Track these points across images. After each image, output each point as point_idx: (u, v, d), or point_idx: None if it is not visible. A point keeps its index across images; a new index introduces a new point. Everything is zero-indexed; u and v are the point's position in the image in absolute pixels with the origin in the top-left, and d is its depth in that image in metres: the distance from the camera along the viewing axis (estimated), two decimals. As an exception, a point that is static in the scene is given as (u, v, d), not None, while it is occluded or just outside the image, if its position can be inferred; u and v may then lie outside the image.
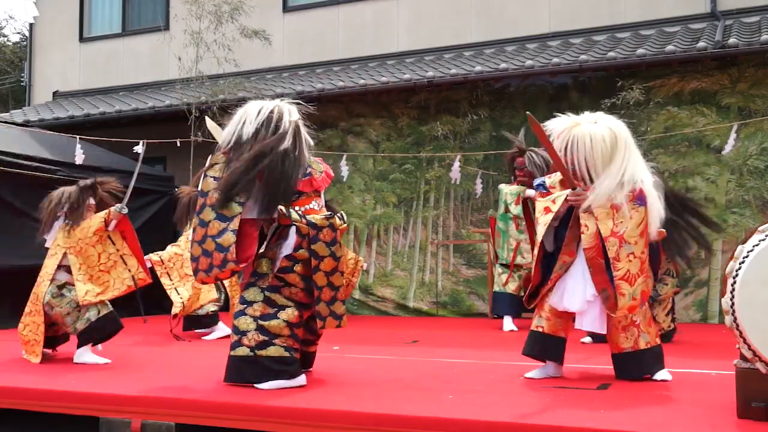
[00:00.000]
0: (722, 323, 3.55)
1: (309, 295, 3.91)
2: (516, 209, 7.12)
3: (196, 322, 6.74)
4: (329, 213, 4.01)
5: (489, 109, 9.32)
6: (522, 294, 6.29)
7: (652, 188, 4.00)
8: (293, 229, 3.86)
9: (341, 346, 5.67)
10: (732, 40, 7.91)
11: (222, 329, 6.71)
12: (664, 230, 4.14)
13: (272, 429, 3.37)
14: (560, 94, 8.94)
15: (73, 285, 4.89)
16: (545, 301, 4.10)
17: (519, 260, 7.11)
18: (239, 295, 4.03)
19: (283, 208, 3.83)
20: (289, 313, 3.84)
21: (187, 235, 6.91)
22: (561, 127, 4.06)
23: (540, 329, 4.09)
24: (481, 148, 9.15)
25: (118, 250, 5.05)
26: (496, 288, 7.28)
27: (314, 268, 3.85)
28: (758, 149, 8.09)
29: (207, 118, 6.22)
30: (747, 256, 2.97)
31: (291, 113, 4.03)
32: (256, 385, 3.76)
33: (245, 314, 3.83)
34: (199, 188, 3.93)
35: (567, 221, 4.05)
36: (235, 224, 3.75)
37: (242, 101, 4.48)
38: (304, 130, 4.06)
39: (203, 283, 4.09)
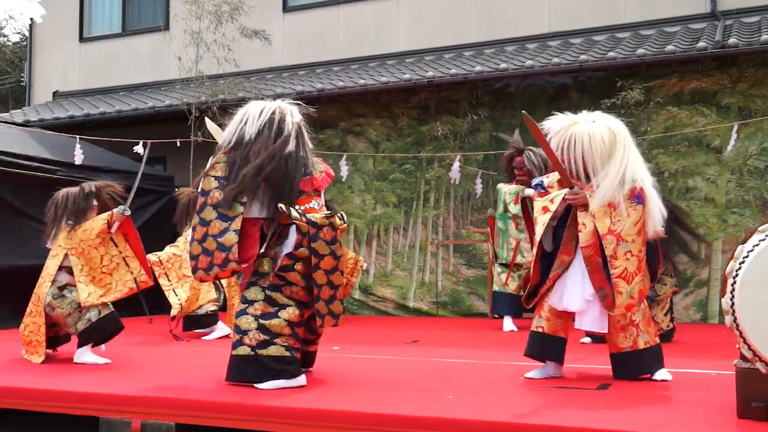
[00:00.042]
0: (722, 323, 3.55)
1: (310, 294, 3.92)
2: (515, 208, 7.12)
3: (196, 322, 6.74)
4: (329, 212, 4.01)
5: (489, 109, 9.32)
6: (522, 293, 6.29)
7: (651, 187, 4.00)
8: (293, 228, 3.87)
9: (341, 346, 5.67)
10: (732, 40, 7.91)
11: (222, 329, 6.72)
12: (662, 230, 4.13)
13: (272, 429, 3.37)
14: (560, 94, 8.94)
15: (74, 286, 4.88)
16: (544, 301, 4.10)
17: (519, 259, 7.11)
18: (240, 294, 4.04)
19: (283, 206, 3.83)
20: (290, 312, 3.85)
21: (185, 235, 6.91)
22: (559, 126, 4.06)
23: (540, 329, 4.09)
24: (481, 148, 9.15)
25: (120, 252, 5.03)
26: (496, 288, 7.28)
27: (314, 266, 3.86)
28: (758, 149, 8.10)
29: (207, 119, 6.23)
30: (747, 256, 2.97)
31: (293, 115, 4.04)
32: (256, 384, 3.77)
33: (246, 313, 3.84)
34: (200, 187, 3.93)
35: (565, 220, 4.05)
36: (237, 224, 3.77)
37: (242, 101, 4.49)
38: (305, 131, 4.08)
39: (202, 281, 4.11)
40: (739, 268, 2.97)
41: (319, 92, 9.46)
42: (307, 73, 11.08)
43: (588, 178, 4.00)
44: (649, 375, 4.03)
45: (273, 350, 3.76)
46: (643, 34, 9.50)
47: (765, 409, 2.92)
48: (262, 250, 3.92)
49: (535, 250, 4.17)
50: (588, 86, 8.88)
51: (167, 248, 6.87)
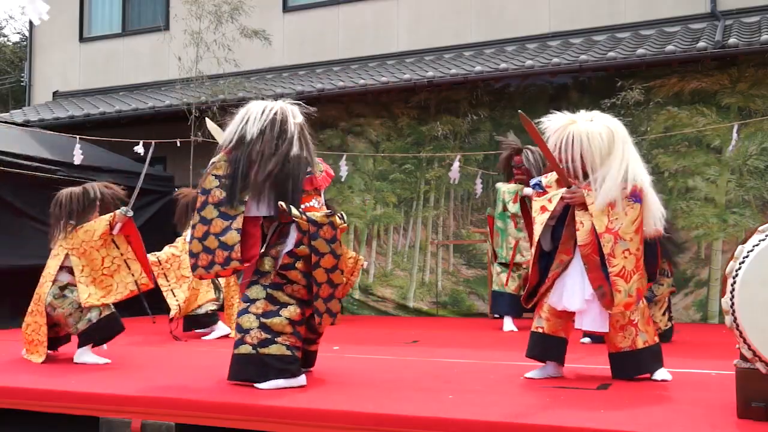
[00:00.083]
0: (722, 323, 3.55)
1: (310, 293, 3.93)
2: (514, 207, 7.12)
3: (196, 321, 6.74)
4: (329, 211, 4.02)
5: (489, 109, 9.33)
6: (522, 293, 6.29)
7: (650, 186, 4.01)
8: (294, 226, 3.88)
9: (341, 346, 5.67)
10: (732, 40, 7.91)
11: (221, 329, 6.71)
12: (661, 228, 4.14)
13: (272, 429, 3.37)
14: (560, 94, 8.94)
15: (75, 286, 4.88)
16: (544, 302, 4.10)
17: (518, 259, 7.11)
18: (240, 294, 4.05)
19: (284, 204, 3.84)
20: (292, 311, 3.86)
21: (185, 236, 6.92)
22: (557, 124, 4.06)
23: (540, 330, 4.09)
24: (481, 148, 9.15)
25: (122, 254, 5.01)
26: (495, 287, 7.28)
27: (314, 264, 3.87)
28: (758, 149, 8.10)
29: (207, 119, 6.23)
30: (747, 256, 2.97)
31: (295, 116, 4.06)
32: (256, 384, 3.77)
33: (248, 312, 3.85)
34: (200, 185, 3.94)
35: (564, 220, 4.06)
36: (238, 223, 3.79)
37: (242, 101, 4.50)
38: (307, 132, 4.10)
39: (201, 279, 4.11)
40: (739, 268, 2.97)
41: (319, 92, 9.46)
42: (307, 73, 11.08)
43: (586, 176, 4.00)
44: (648, 375, 4.03)
45: (274, 349, 3.77)
46: (643, 34, 9.50)
47: (765, 409, 2.92)
48: (263, 249, 3.93)
49: (533, 250, 4.17)
50: (588, 86, 8.89)
51: (166, 248, 6.87)
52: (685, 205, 8.28)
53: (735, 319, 2.96)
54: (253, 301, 3.86)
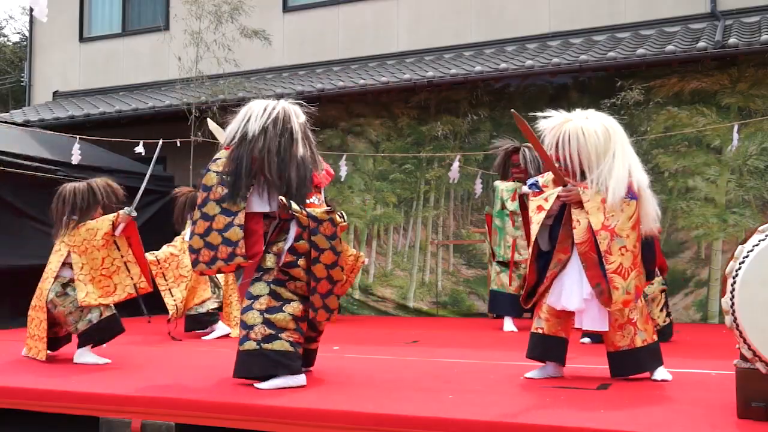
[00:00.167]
0: (722, 323, 3.55)
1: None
2: (512, 205, 7.13)
3: (197, 321, 6.74)
4: (329, 208, 4.04)
5: (489, 109, 9.33)
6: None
7: (646, 184, 4.01)
8: (293, 222, 3.89)
9: (341, 346, 5.67)
10: (732, 40, 7.91)
11: (221, 329, 6.71)
12: (659, 226, 4.14)
13: (272, 429, 3.37)
14: (560, 94, 8.94)
15: None
16: (543, 302, 4.10)
17: (517, 257, 7.10)
18: (239, 295, 4.06)
19: (284, 198, 3.85)
20: (294, 307, 3.87)
21: (183, 235, 6.92)
22: (552, 123, 4.06)
23: (540, 331, 4.09)
24: (481, 148, 9.15)
25: (122, 256, 4.99)
26: (494, 287, 7.27)
27: (314, 260, 3.88)
28: (758, 149, 8.10)
29: (209, 119, 6.23)
30: (747, 256, 2.97)
31: (298, 115, 4.08)
32: (256, 385, 3.78)
33: (252, 309, 3.86)
34: (201, 182, 3.95)
35: (561, 219, 4.06)
36: (240, 219, 3.82)
37: (242, 101, 4.50)
38: (309, 131, 4.14)
39: (202, 274, 4.13)
40: (739, 268, 2.97)
41: (319, 92, 9.46)
42: (307, 73, 11.08)
43: (583, 175, 4.00)
44: (647, 373, 4.03)
45: (277, 345, 3.78)
46: (643, 34, 9.50)
47: (765, 409, 2.92)
48: (264, 247, 3.95)
49: (530, 250, 4.17)
50: (588, 86, 8.88)
51: (164, 247, 6.86)
52: (685, 205, 8.28)
53: (735, 319, 2.96)
54: (256, 297, 3.88)
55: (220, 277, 6.80)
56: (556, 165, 4.07)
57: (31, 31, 13.80)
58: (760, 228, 3.05)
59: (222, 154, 3.97)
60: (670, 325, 6.10)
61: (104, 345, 5.01)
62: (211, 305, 6.78)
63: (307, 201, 3.98)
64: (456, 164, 8.44)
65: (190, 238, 3.91)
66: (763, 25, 8.61)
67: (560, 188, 4.05)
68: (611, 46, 9.01)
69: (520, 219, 7.06)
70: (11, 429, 4.12)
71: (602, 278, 3.87)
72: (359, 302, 9.62)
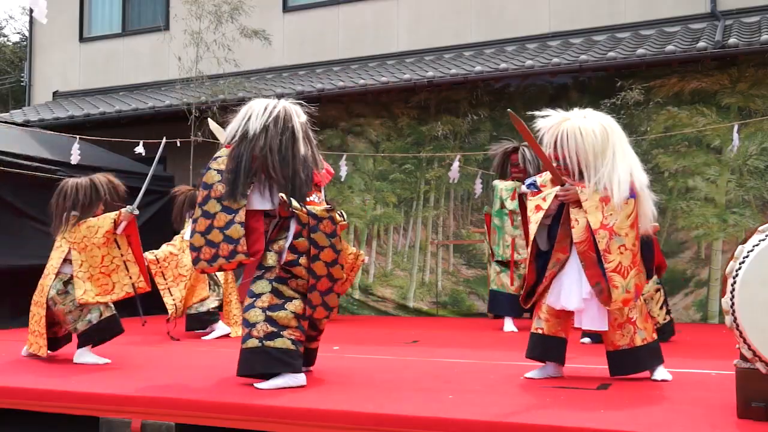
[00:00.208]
0: (722, 323, 3.55)
1: None
2: (512, 204, 7.13)
3: (198, 321, 6.74)
4: (329, 206, 4.05)
5: (489, 109, 9.32)
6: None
7: (645, 183, 4.01)
8: (293, 219, 3.89)
9: (341, 346, 5.67)
10: (732, 40, 7.91)
11: (221, 329, 6.71)
12: (657, 225, 4.14)
13: (272, 429, 3.37)
14: (560, 94, 8.94)
15: None
16: (542, 302, 4.10)
17: (516, 257, 7.10)
18: (238, 296, 4.06)
19: (284, 195, 3.86)
20: (296, 305, 3.88)
21: (182, 234, 6.91)
22: (550, 122, 4.06)
23: (540, 331, 4.09)
24: (481, 148, 9.14)
25: (122, 255, 4.99)
26: (494, 287, 7.27)
27: (314, 257, 3.89)
28: (758, 149, 8.10)
29: (209, 119, 6.24)
30: (747, 256, 2.97)
31: (299, 115, 4.09)
32: (256, 385, 3.79)
33: (254, 306, 3.87)
34: (202, 180, 3.96)
35: (559, 218, 4.06)
36: (240, 216, 3.83)
37: (242, 101, 4.51)
38: (310, 131, 4.15)
39: (203, 272, 4.14)
40: (739, 268, 2.97)
41: (319, 92, 9.46)
42: (307, 73, 11.08)
43: (581, 174, 4.00)
44: (647, 372, 4.03)
45: (279, 342, 3.79)
46: (643, 34, 9.50)
47: (765, 409, 2.93)
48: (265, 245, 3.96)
49: (529, 249, 4.17)
50: (588, 86, 8.88)
51: (164, 247, 6.86)
52: (685, 205, 8.28)
53: (735, 319, 2.96)
54: (258, 295, 3.89)
55: (220, 275, 6.80)
56: (554, 164, 4.08)
57: (31, 31, 13.80)
58: (760, 228, 3.06)
59: (223, 152, 3.98)
60: (670, 323, 6.10)
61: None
62: (212, 304, 6.77)
63: (308, 199, 3.99)
64: (456, 164, 8.44)
65: (191, 236, 3.92)
66: (763, 25, 8.61)
67: (558, 188, 4.05)
68: (611, 46, 9.01)
69: (519, 218, 7.06)
70: (11, 429, 4.12)
71: (601, 277, 3.86)
72: (359, 302, 9.62)
